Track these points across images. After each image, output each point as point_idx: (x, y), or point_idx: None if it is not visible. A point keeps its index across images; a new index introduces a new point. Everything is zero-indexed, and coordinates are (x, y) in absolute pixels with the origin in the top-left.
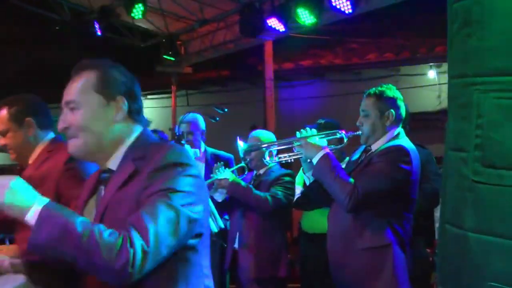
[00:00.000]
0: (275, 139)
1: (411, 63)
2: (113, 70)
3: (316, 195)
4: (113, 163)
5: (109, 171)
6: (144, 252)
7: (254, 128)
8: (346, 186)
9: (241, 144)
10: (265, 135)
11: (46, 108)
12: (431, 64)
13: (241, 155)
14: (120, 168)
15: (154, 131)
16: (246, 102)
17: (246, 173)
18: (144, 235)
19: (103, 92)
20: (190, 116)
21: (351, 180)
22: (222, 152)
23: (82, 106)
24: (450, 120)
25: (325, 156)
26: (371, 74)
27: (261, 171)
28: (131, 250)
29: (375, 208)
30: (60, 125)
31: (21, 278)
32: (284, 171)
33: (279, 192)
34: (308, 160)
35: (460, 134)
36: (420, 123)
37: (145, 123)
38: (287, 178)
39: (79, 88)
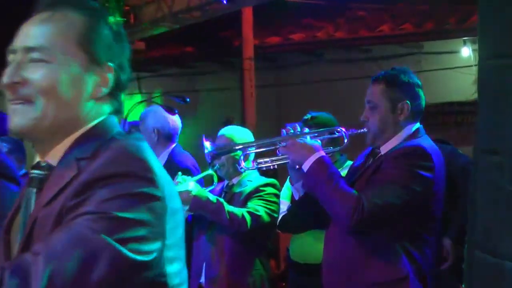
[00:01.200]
0: (252, 139)
1: (438, 37)
2: (108, 23)
3: (307, 213)
4: (53, 157)
5: (47, 167)
6: None
7: (228, 123)
8: (348, 200)
9: (207, 146)
10: (240, 134)
11: None
12: (464, 38)
13: (208, 159)
14: (60, 167)
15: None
16: (217, 89)
17: (215, 183)
18: (33, 284)
19: (89, 49)
20: (145, 110)
21: (354, 192)
22: (179, 159)
23: (55, 59)
24: (482, 113)
25: (319, 160)
26: (384, 52)
27: (235, 181)
28: None
29: (386, 229)
30: (6, 79)
31: None
32: (265, 180)
33: (260, 208)
34: (297, 167)
35: (495, 131)
36: (450, 117)
37: (117, 107)
38: (269, 190)
39: (55, 32)
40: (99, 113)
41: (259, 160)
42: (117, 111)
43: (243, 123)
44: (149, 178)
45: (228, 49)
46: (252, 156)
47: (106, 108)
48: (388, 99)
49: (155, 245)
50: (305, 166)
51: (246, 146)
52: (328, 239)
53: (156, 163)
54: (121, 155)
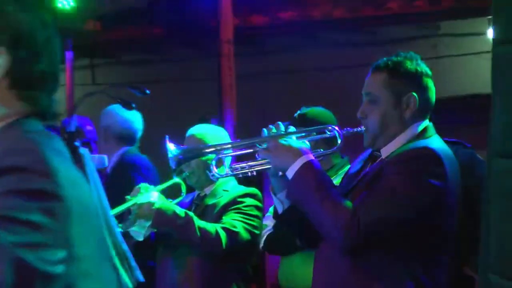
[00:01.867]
0: (229, 139)
1: (458, 15)
2: None
3: (294, 230)
4: None
5: None
6: None
7: (203, 120)
8: (340, 214)
9: (171, 148)
10: (213, 133)
11: None
12: (490, 17)
13: (173, 165)
14: None
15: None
16: (189, 80)
17: (183, 193)
18: None
19: None
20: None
21: (349, 203)
22: (129, 164)
23: None
24: (496, 109)
25: (307, 166)
26: (393, 34)
27: (208, 191)
28: None
29: (388, 249)
30: None
31: None
32: (244, 189)
33: (237, 224)
34: (280, 173)
35: (510, 132)
36: (474, 114)
37: (36, 107)
38: (249, 201)
39: None
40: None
41: (234, 166)
42: (38, 112)
43: (221, 121)
44: (44, 173)
45: (203, 30)
46: (228, 161)
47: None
48: (391, 91)
49: (59, 254)
50: (290, 173)
51: (219, 149)
52: (319, 260)
53: (59, 159)
54: (12, 146)
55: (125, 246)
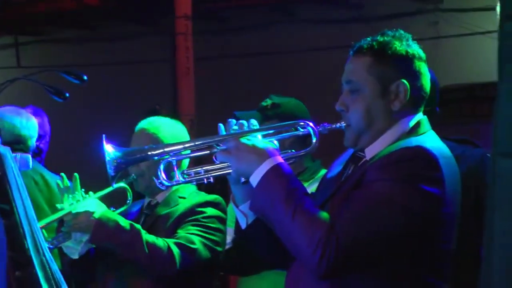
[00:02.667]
0: (187, 136)
1: None
2: None
3: (260, 248)
4: None
5: None
6: None
7: (153, 113)
8: (316, 229)
9: (109, 150)
10: (169, 129)
11: None
12: None
13: (110, 171)
14: None
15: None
16: (136, 63)
17: (129, 201)
18: None
19: None
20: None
21: (325, 216)
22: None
23: None
24: (501, 101)
25: (275, 170)
26: (383, 9)
27: (160, 198)
28: None
29: (371, 271)
30: None
31: None
32: (204, 197)
33: (195, 238)
34: (243, 180)
35: None
36: (482, 105)
37: None
38: (210, 211)
39: None
40: None
41: (187, 171)
42: None
43: (175, 113)
44: None
45: (153, 4)
46: (185, 164)
47: None
48: (376, 78)
49: None
50: (254, 179)
51: (167, 151)
52: (289, 282)
53: None
54: None
55: (54, 266)
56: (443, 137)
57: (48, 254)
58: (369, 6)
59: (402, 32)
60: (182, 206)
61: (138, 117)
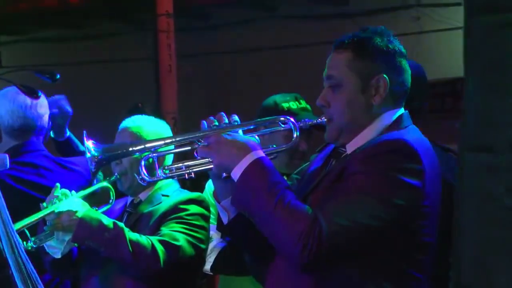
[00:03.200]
0: (169, 134)
1: None
2: None
3: (243, 244)
4: None
5: None
6: None
7: (137, 110)
8: (298, 222)
9: (90, 146)
10: (152, 127)
11: None
12: None
13: (92, 167)
14: None
15: None
16: (118, 60)
17: (112, 200)
18: None
19: None
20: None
21: (307, 209)
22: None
23: None
24: (469, 94)
25: (256, 164)
26: (369, 5)
27: (143, 196)
28: None
29: (353, 263)
30: None
31: None
32: (188, 194)
33: (179, 236)
34: (224, 175)
35: (487, 120)
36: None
37: None
38: (194, 209)
39: None
40: None
41: (168, 167)
42: None
43: (158, 111)
44: None
45: (135, 2)
46: (169, 161)
47: None
48: (357, 74)
49: None
50: (236, 173)
51: (149, 147)
52: (271, 277)
53: None
54: None
55: (30, 267)
56: (431, 141)
57: (23, 255)
58: (352, 1)
59: (383, 28)
60: (165, 204)
61: (121, 115)
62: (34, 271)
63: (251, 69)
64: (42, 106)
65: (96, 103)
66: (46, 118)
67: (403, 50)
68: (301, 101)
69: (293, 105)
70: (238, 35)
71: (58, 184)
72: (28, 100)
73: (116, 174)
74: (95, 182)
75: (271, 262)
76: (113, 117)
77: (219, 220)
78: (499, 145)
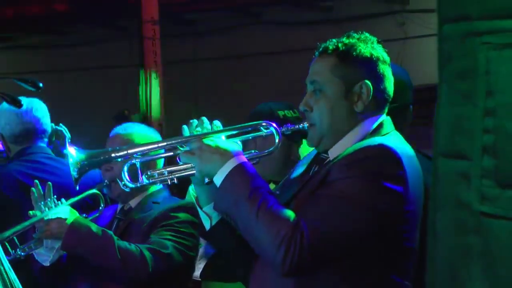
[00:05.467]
0: (158, 138)
1: None
2: None
3: (223, 248)
4: None
5: None
6: None
7: (122, 117)
8: (280, 227)
9: (72, 153)
10: (143, 132)
11: None
12: None
13: (74, 173)
14: None
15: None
16: (104, 67)
17: (101, 207)
18: None
19: None
20: None
21: (290, 214)
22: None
23: None
24: (441, 101)
25: (238, 169)
26: (352, 10)
27: (134, 203)
28: None
29: (336, 269)
30: None
31: None
32: (178, 202)
33: (168, 243)
34: (207, 180)
35: (458, 127)
36: None
37: None
38: (184, 216)
39: None
40: None
41: (150, 173)
42: None
43: (144, 118)
44: None
45: (120, 8)
46: (160, 165)
47: None
48: (340, 79)
49: None
50: (218, 178)
51: (131, 153)
52: (254, 282)
53: None
54: None
55: (13, 275)
56: (416, 150)
57: (6, 263)
58: (338, 7)
59: (367, 34)
60: (156, 211)
61: (107, 121)
62: (16, 279)
63: (237, 75)
64: (38, 109)
65: (82, 110)
66: (45, 120)
67: (387, 58)
68: (295, 110)
69: (289, 113)
70: (223, 41)
71: (50, 183)
72: (23, 107)
73: (106, 181)
74: (77, 188)
75: (254, 267)
76: (99, 123)
77: (201, 226)
78: (471, 152)
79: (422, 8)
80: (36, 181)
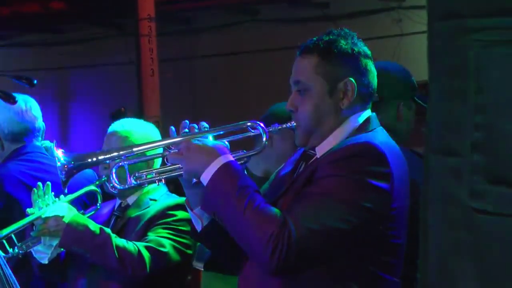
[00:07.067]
0: (159, 137)
1: None
2: None
3: (214, 248)
4: None
5: None
6: None
7: (118, 115)
8: (267, 225)
9: (59, 156)
10: (141, 130)
11: None
12: None
13: (62, 176)
14: None
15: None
16: (100, 65)
17: (99, 204)
18: None
19: None
20: None
21: (277, 212)
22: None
23: None
24: (433, 97)
25: (225, 168)
26: (347, 7)
27: (131, 200)
28: None
29: (323, 266)
30: None
31: None
32: (176, 199)
33: (165, 242)
34: (195, 181)
35: (449, 123)
36: None
37: None
38: (181, 214)
39: None
40: None
41: (139, 173)
42: None
43: (141, 115)
44: None
45: (117, 5)
46: (157, 164)
47: None
48: (323, 78)
49: None
50: (205, 177)
51: (119, 155)
52: (242, 280)
53: None
54: None
55: (8, 271)
56: (409, 149)
57: (1, 260)
58: (334, 5)
59: (347, 30)
60: (153, 208)
61: (104, 119)
62: (12, 275)
63: (233, 73)
64: (36, 108)
65: (79, 107)
66: (40, 120)
67: (368, 52)
68: None
69: None
70: (220, 39)
71: (49, 183)
72: (23, 106)
73: (103, 177)
74: (66, 191)
75: (243, 268)
76: (96, 121)
77: (192, 228)
78: (462, 148)
79: (418, 5)
80: (39, 183)
